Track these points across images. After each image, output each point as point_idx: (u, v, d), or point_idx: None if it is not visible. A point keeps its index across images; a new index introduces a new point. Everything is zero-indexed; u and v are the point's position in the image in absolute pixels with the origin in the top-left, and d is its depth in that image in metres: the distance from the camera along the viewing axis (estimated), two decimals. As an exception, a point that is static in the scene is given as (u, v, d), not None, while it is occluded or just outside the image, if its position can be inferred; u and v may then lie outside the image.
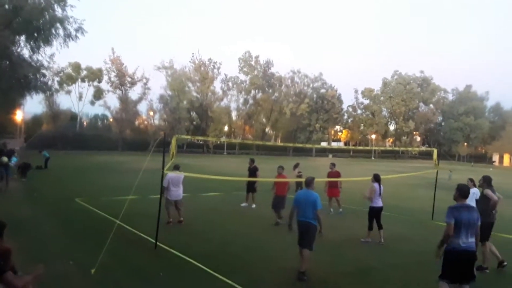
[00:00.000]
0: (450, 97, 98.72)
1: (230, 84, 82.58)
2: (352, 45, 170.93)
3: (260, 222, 11.51)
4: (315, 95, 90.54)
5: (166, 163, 8.45)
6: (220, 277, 6.77)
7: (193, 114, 77.57)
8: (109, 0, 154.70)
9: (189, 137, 63.50)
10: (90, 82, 71.18)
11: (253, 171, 14.61)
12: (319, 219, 7.20)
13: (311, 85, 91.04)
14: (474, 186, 9.26)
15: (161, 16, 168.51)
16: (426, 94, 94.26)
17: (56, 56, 34.36)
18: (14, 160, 16.59)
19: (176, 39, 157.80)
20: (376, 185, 9.79)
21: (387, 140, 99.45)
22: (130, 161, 35.67)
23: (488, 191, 7.86)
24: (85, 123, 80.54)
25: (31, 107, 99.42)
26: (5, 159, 15.61)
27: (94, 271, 6.54)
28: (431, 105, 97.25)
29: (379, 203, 9.77)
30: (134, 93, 71.68)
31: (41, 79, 34.17)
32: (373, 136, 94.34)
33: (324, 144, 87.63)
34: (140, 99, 71.40)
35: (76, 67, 68.60)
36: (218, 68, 79.62)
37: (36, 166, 23.94)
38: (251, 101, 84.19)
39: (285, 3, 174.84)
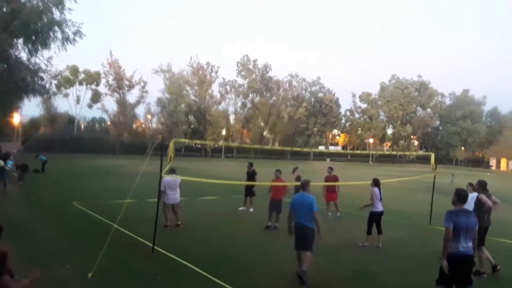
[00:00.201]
0: (448, 101, 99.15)
1: (228, 87, 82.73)
2: (350, 49, 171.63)
3: (258, 226, 11.49)
4: (313, 99, 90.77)
5: (164, 167, 8.44)
6: (218, 281, 6.75)
7: (191, 117, 77.57)
8: (107, 4, 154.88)
9: (187, 140, 63.11)
10: (88, 85, 71.10)
11: (251, 175, 14.62)
12: (317, 221, 7.21)
13: (309, 89, 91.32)
14: (474, 190, 9.26)
15: (159, 19, 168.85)
16: (424, 99, 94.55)
17: (54, 59, 34.45)
18: (9, 163, 16.54)
19: (174, 43, 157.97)
20: (376, 189, 9.79)
21: (384, 144, 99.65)
22: (127, 165, 35.60)
23: (482, 196, 7.87)
24: (82, 126, 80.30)
25: (28, 110, 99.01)
26: (1, 162, 15.57)
27: (91, 275, 6.52)
28: (429, 110, 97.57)
29: (379, 207, 9.76)
30: (132, 97, 71.70)
31: (39, 82, 34.15)
32: (371, 140, 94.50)
33: (322, 148, 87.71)
34: (138, 103, 71.38)
35: (74, 70, 68.54)
36: (216, 72, 79.78)
37: (33, 170, 23.84)
38: (249, 105, 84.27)
39: (284, 7, 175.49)
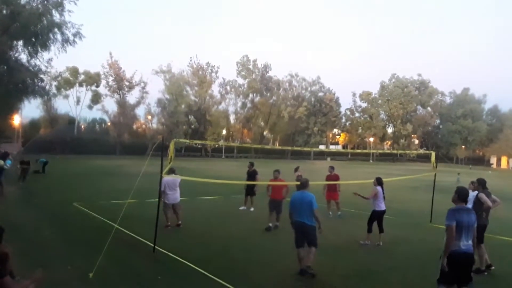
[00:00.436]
0: (448, 100, 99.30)
1: (228, 87, 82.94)
2: (349, 48, 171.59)
3: (259, 225, 11.48)
4: (313, 99, 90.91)
5: (164, 167, 8.45)
6: (219, 280, 6.75)
7: (191, 118, 77.72)
8: (106, 5, 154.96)
9: (187, 141, 63.27)
10: (88, 87, 71.27)
11: (252, 175, 14.62)
12: (317, 218, 7.28)
13: (309, 89, 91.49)
14: (474, 189, 9.24)
15: (158, 20, 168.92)
16: (424, 97, 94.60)
17: (54, 60, 34.41)
18: (8, 162, 16.57)
19: (173, 44, 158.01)
20: (379, 188, 9.79)
21: (385, 143, 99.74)
22: (128, 165, 35.63)
23: (482, 196, 7.84)
24: (83, 127, 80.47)
25: (28, 111, 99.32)
26: (0, 162, 15.60)
27: (92, 275, 6.52)
28: (429, 108, 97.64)
29: (382, 206, 9.75)
30: (132, 97, 71.97)
31: (39, 83, 34.19)
32: (371, 139, 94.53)
33: (322, 147, 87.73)
34: (138, 103, 71.60)
35: (74, 71, 68.67)
36: (216, 72, 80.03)
37: (34, 171, 23.89)
38: (249, 105, 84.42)
39: (283, 7, 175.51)
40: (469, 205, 7.81)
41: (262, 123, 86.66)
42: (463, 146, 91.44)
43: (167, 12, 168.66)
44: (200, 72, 77.46)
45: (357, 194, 10.07)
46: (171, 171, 10.31)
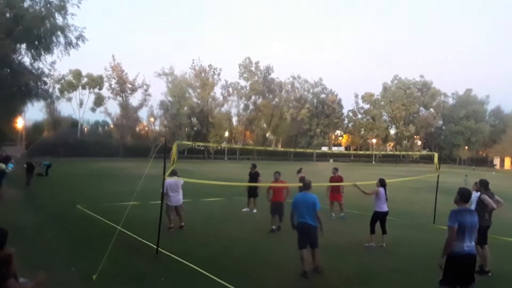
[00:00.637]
0: (450, 101, 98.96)
1: (230, 90, 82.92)
2: (351, 50, 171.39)
3: (261, 227, 11.49)
4: (315, 100, 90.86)
5: (167, 169, 8.47)
6: (222, 282, 6.76)
7: (194, 120, 77.77)
8: (109, 8, 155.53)
9: (190, 143, 63.54)
10: (91, 89, 71.51)
11: (254, 176, 14.62)
12: (319, 219, 7.31)
13: (311, 90, 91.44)
14: (476, 190, 9.21)
15: (161, 23, 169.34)
16: (426, 98, 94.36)
17: (57, 63, 34.64)
18: (10, 166, 16.62)
19: (176, 46, 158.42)
20: (381, 189, 9.77)
21: (387, 144, 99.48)
22: (131, 167, 35.69)
23: (485, 197, 7.79)
24: (86, 130, 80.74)
25: (32, 114, 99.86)
26: (2, 165, 15.65)
27: (96, 277, 6.55)
28: (432, 109, 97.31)
29: (384, 208, 9.74)
30: (134, 100, 71.99)
31: (42, 86, 34.42)
32: (374, 141, 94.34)
33: (324, 149, 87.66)
34: (140, 106, 71.66)
35: (77, 74, 68.94)
36: (219, 74, 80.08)
37: (37, 174, 23.97)
38: (251, 107, 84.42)
39: (285, 8, 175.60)
40: (473, 206, 7.81)
41: (265, 125, 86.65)
42: (466, 147, 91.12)
43: (169, 15, 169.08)
44: (203, 74, 77.57)
45: (356, 186, 10.02)
46: (173, 173, 10.34)
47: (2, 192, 15.50)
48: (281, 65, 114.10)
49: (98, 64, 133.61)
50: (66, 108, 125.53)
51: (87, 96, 71.94)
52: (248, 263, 8.10)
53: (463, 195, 5.55)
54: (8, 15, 30.23)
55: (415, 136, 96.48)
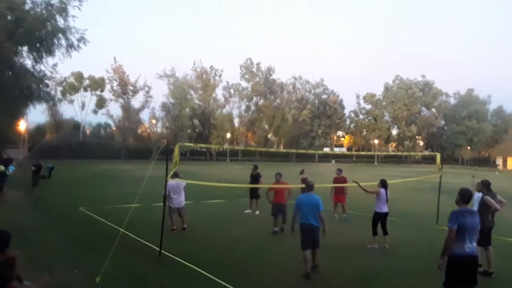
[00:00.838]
0: (452, 101, 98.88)
1: (232, 91, 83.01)
2: (353, 50, 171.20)
3: (263, 228, 11.49)
4: (317, 101, 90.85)
5: (169, 171, 8.48)
6: (225, 284, 6.77)
7: (196, 121, 77.85)
8: (110, 10, 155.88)
9: (191, 144, 63.68)
10: (93, 91, 71.56)
11: (255, 178, 14.62)
12: (322, 220, 7.36)
13: (312, 91, 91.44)
14: (478, 190, 9.19)
15: (162, 25, 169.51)
16: (428, 99, 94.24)
17: (59, 66, 34.77)
18: (11, 168, 16.66)
19: (177, 48, 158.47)
20: (382, 190, 9.76)
21: (389, 145, 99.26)
22: (133, 169, 35.73)
23: (488, 199, 7.76)
24: (88, 132, 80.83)
25: (34, 116, 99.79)
26: (1, 167, 15.69)
27: (99, 280, 6.55)
28: (433, 109, 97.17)
29: (384, 208, 9.72)
30: (136, 102, 72.11)
31: (44, 89, 34.52)
32: (376, 141, 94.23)
33: (326, 149, 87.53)
34: (142, 107, 71.79)
35: (79, 76, 69.08)
36: (220, 76, 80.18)
37: (41, 176, 23.99)
38: (253, 108, 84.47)
39: (286, 9, 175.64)
40: (475, 207, 7.79)
41: (266, 126, 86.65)
42: (468, 147, 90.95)
43: (170, 17, 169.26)
44: (204, 76, 77.66)
45: (357, 183, 9.93)
46: (175, 175, 10.35)
47: (3, 194, 15.53)
48: (282, 65, 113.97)
49: (100, 65, 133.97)
50: (68, 110, 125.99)
51: (89, 98, 72.10)
52: (251, 265, 8.10)
53: (464, 196, 5.52)
54: (9, 17, 30.34)
55: (417, 137, 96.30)
